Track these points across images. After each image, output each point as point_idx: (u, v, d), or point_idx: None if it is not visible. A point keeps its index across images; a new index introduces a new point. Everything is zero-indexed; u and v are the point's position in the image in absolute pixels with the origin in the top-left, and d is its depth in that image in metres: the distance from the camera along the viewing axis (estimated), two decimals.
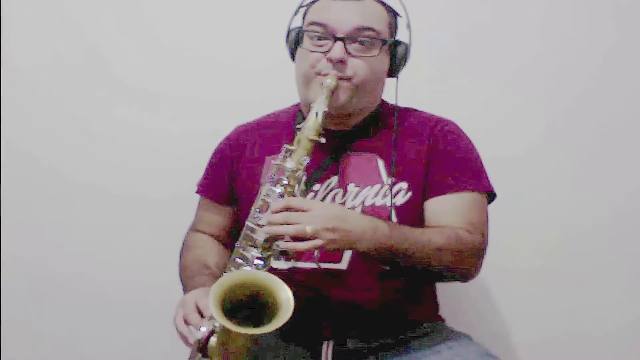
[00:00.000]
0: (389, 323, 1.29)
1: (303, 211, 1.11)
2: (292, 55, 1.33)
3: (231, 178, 1.39)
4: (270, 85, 1.63)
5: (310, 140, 1.20)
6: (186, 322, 1.16)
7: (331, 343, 1.27)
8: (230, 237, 1.37)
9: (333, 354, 1.27)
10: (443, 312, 1.41)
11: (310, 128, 1.20)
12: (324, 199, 1.29)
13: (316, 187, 1.30)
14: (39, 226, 1.81)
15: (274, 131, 1.38)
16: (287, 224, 1.11)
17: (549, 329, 1.75)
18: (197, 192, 1.46)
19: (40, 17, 1.79)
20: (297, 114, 1.37)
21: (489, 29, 1.74)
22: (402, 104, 1.35)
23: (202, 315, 1.15)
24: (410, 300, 1.31)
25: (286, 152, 1.21)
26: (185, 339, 1.16)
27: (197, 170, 1.47)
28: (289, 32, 1.32)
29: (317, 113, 1.20)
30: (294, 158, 1.19)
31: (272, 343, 1.31)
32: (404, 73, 1.34)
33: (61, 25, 1.79)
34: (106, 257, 1.81)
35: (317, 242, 1.10)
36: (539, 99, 1.74)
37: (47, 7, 1.79)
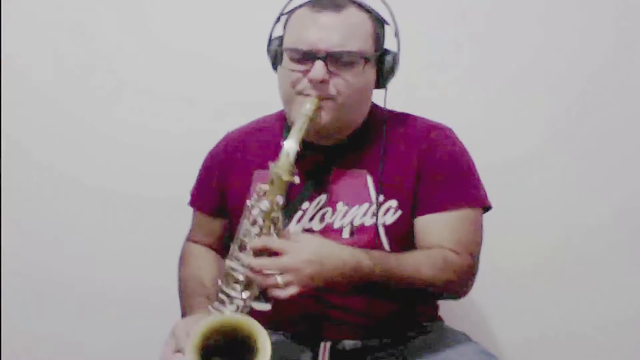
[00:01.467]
0: (388, 323, 1.28)
1: (280, 253, 1.07)
2: (274, 66, 1.28)
3: (221, 191, 1.37)
4: (270, 85, 1.62)
5: (284, 181, 1.14)
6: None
7: (329, 343, 1.26)
8: (224, 246, 1.33)
9: (330, 353, 1.26)
10: (442, 312, 1.41)
11: (281, 168, 1.12)
12: (312, 217, 1.26)
13: (305, 205, 1.26)
14: (39, 226, 1.81)
15: (262, 141, 1.34)
16: (262, 273, 1.07)
17: (547, 328, 1.75)
18: (190, 204, 1.44)
19: (40, 17, 1.79)
20: (284, 124, 1.32)
21: (488, 29, 1.74)
22: (399, 107, 1.33)
23: None
24: (409, 300, 1.30)
25: (260, 192, 1.15)
26: None
27: (197, 170, 1.47)
28: (270, 42, 1.27)
29: (288, 154, 1.13)
30: (268, 198, 1.13)
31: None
32: (401, 75, 1.28)
33: (61, 25, 1.79)
34: (106, 257, 1.81)
35: (291, 291, 1.06)
36: (539, 100, 1.74)
37: (47, 7, 1.78)
